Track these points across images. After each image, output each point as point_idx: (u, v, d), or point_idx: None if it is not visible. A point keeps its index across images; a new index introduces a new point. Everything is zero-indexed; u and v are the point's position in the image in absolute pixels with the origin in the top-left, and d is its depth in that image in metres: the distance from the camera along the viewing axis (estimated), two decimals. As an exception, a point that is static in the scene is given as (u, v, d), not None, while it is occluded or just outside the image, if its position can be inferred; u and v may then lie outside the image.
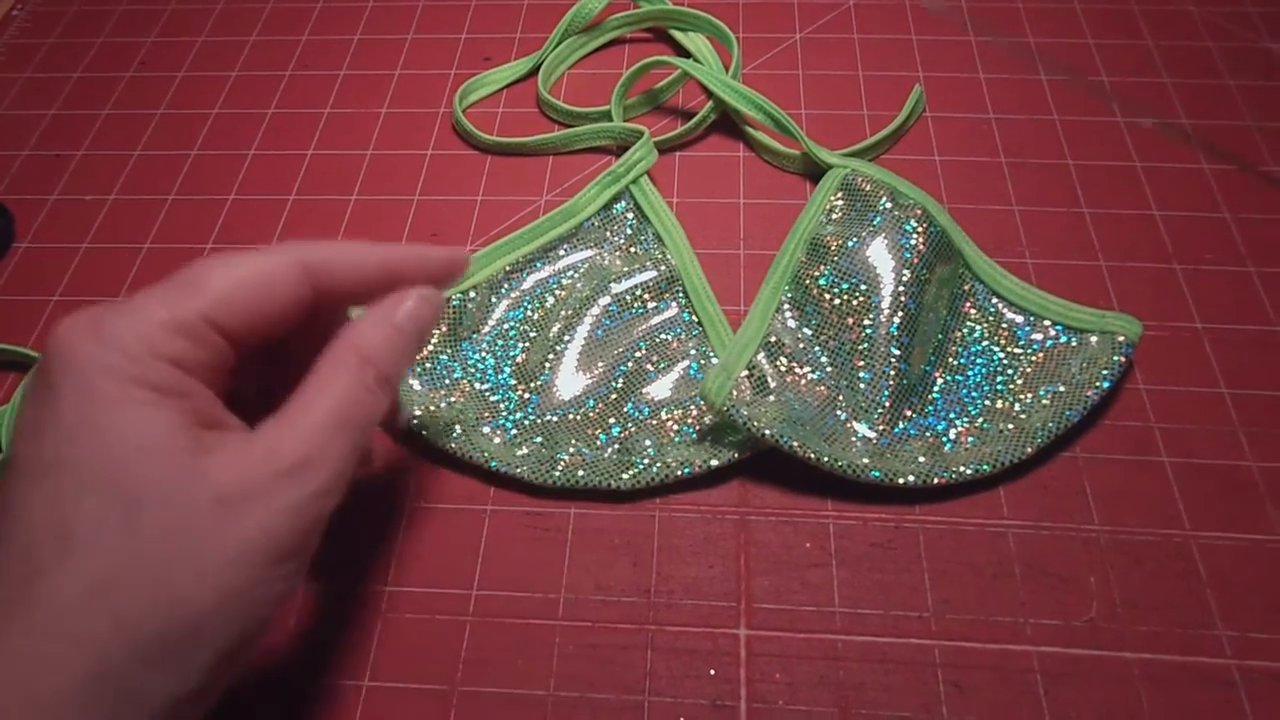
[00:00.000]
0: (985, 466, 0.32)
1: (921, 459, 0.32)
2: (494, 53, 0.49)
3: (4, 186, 0.45)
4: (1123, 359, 0.33)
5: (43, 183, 0.45)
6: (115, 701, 0.19)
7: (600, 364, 0.36)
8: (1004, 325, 0.36)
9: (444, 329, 0.36)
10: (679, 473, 0.32)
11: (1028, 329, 0.36)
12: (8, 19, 0.54)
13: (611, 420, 0.34)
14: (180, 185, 0.44)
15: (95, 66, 0.51)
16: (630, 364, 0.36)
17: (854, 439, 0.33)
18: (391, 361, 0.24)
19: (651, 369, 0.36)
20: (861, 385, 0.34)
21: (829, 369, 0.35)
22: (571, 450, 0.33)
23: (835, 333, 0.35)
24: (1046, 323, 0.36)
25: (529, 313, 0.37)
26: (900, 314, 0.34)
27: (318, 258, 0.24)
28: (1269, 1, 0.49)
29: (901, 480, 0.32)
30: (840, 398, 0.34)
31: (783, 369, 0.35)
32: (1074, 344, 0.35)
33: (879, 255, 0.35)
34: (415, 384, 0.35)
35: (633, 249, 0.39)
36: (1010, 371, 0.35)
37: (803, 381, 0.34)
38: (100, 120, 0.48)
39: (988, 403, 0.34)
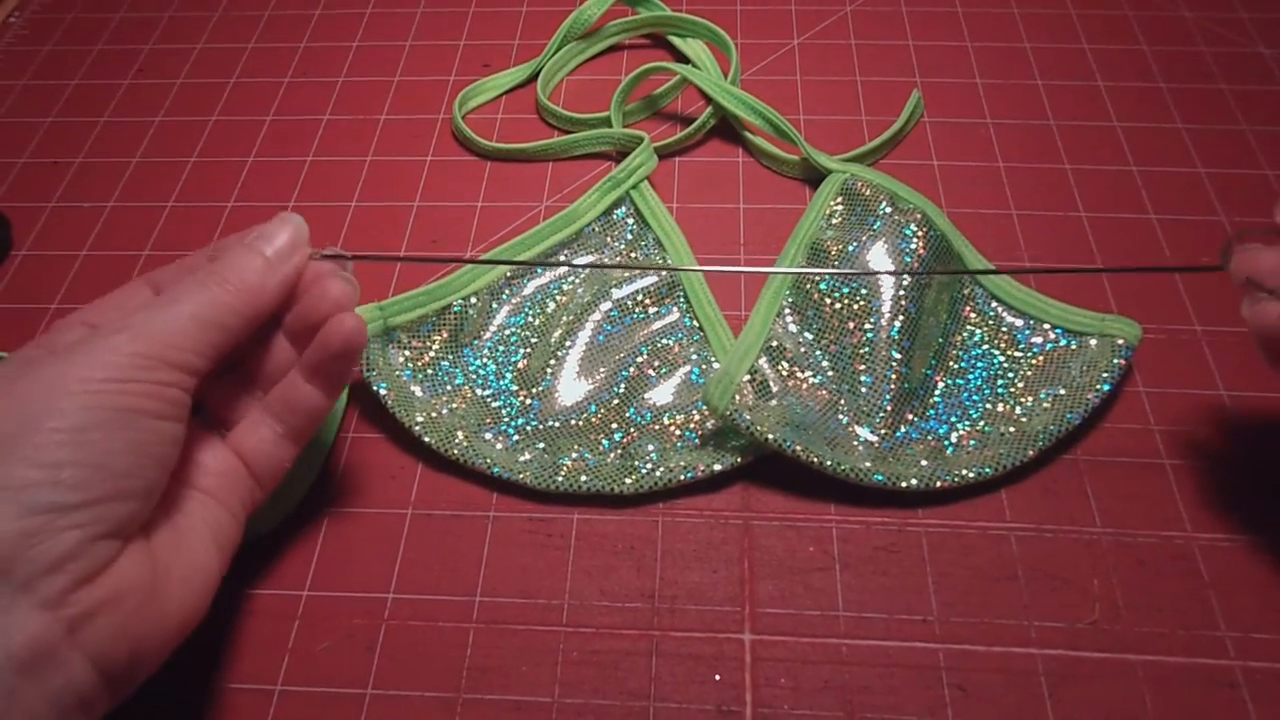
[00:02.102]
0: (987, 470, 0.32)
1: (924, 462, 0.32)
2: (493, 59, 0.49)
3: (2, 194, 0.45)
4: (1122, 362, 0.34)
5: (40, 190, 0.45)
6: None
7: (602, 369, 0.36)
8: (1004, 329, 0.36)
9: (445, 335, 0.36)
10: (682, 477, 0.32)
11: (1027, 332, 0.36)
12: (5, 26, 0.54)
13: (614, 425, 0.34)
14: (178, 192, 0.44)
15: (93, 74, 0.51)
16: (632, 369, 0.36)
17: (856, 443, 0.33)
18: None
19: (653, 374, 0.36)
20: (863, 389, 0.34)
21: (830, 373, 0.35)
22: (574, 456, 0.33)
23: (836, 337, 0.35)
24: (1046, 326, 0.36)
25: (530, 318, 0.37)
26: (901, 318, 0.34)
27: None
28: (1262, 7, 0.49)
29: (904, 484, 0.32)
30: (842, 402, 0.34)
31: (784, 373, 0.35)
32: (1074, 347, 0.35)
33: (879, 260, 0.36)
34: (417, 390, 0.35)
35: (633, 254, 0.39)
36: (1011, 375, 0.35)
37: (804, 386, 0.34)
38: (98, 127, 0.48)
39: (989, 406, 0.34)
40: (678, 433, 0.34)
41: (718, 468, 0.32)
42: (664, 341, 0.37)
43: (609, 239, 0.40)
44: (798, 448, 0.31)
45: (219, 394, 0.28)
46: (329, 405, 0.28)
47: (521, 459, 0.33)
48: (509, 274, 0.38)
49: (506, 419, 0.35)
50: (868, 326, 0.34)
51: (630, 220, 0.40)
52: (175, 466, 0.25)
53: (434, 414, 0.34)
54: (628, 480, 0.32)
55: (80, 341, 0.23)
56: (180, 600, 0.24)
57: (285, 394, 0.28)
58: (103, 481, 0.22)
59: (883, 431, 0.33)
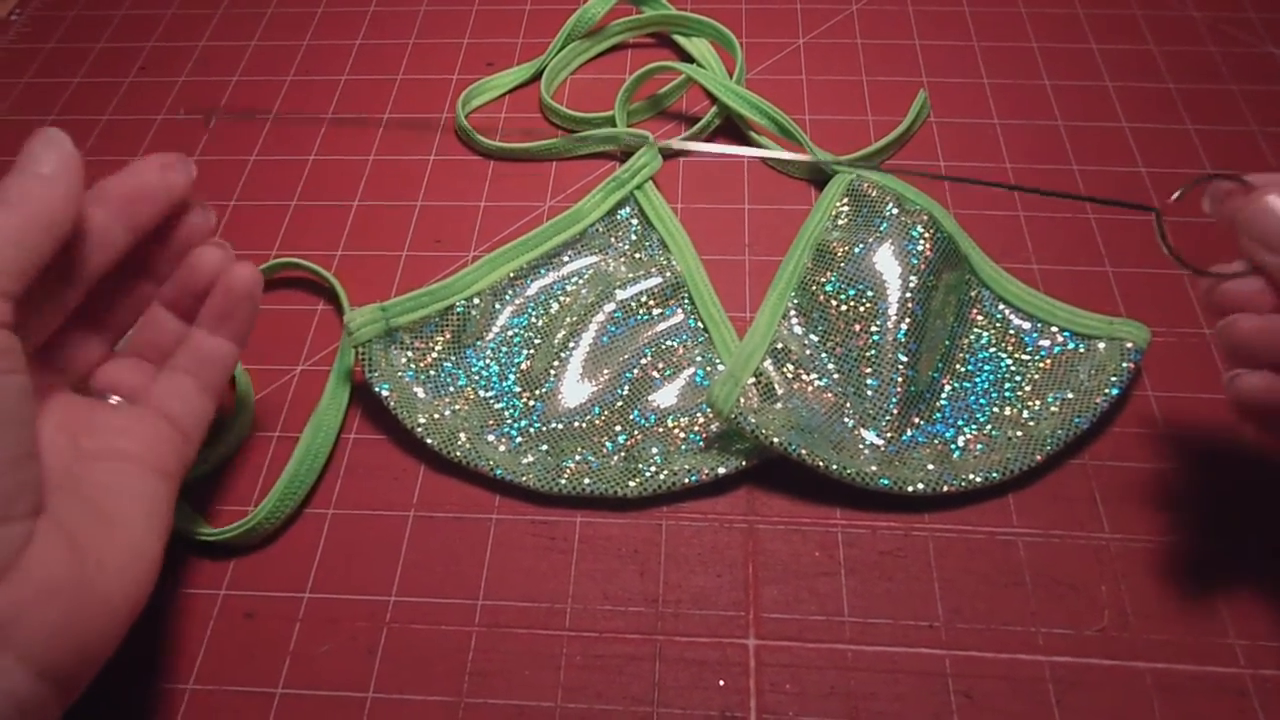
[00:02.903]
0: (995, 474, 0.32)
1: (930, 466, 0.32)
2: (496, 58, 0.49)
3: (3, 192, 0.45)
4: (1131, 365, 0.33)
5: (42, 188, 0.45)
6: None
7: (606, 371, 0.36)
8: (1011, 332, 0.36)
9: (448, 336, 0.36)
10: (686, 480, 0.32)
11: (1035, 335, 0.36)
12: (6, 23, 0.54)
13: (618, 428, 0.34)
14: (181, 191, 0.44)
15: (95, 71, 0.50)
16: (636, 371, 0.35)
17: (862, 446, 0.33)
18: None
19: (657, 376, 0.35)
20: (869, 392, 0.34)
21: (836, 376, 0.34)
22: (577, 458, 0.33)
23: (842, 339, 0.35)
24: (1054, 329, 0.35)
25: (533, 319, 0.37)
26: (908, 320, 0.34)
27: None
28: (1271, 7, 0.49)
29: (910, 488, 0.31)
30: (848, 405, 0.34)
31: (790, 376, 0.34)
32: (1082, 350, 0.35)
33: (886, 261, 0.35)
34: (419, 391, 0.35)
35: (637, 255, 0.39)
36: (1018, 378, 0.35)
37: (810, 389, 0.34)
38: (100, 125, 0.47)
39: (996, 410, 0.34)
40: (682, 435, 0.34)
41: (722, 471, 0.32)
42: (668, 343, 0.36)
43: (613, 239, 0.39)
44: (803, 451, 0.31)
45: (119, 371, 0.28)
46: (237, 353, 0.29)
47: (524, 461, 0.33)
48: (512, 275, 0.38)
49: (509, 421, 0.34)
50: (874, 329, 0.34)
51: (634, 221, 0.40)
52: (88, 439, 0.24)
53: (436, 415, 0.34)
54: (631, 483, 0.32)
55: None
56: (121, 586, 0.23)
57: (196, 350, 0.28)
58: None
59: (889, 435, 0.33)
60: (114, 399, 0.27)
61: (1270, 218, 0.24)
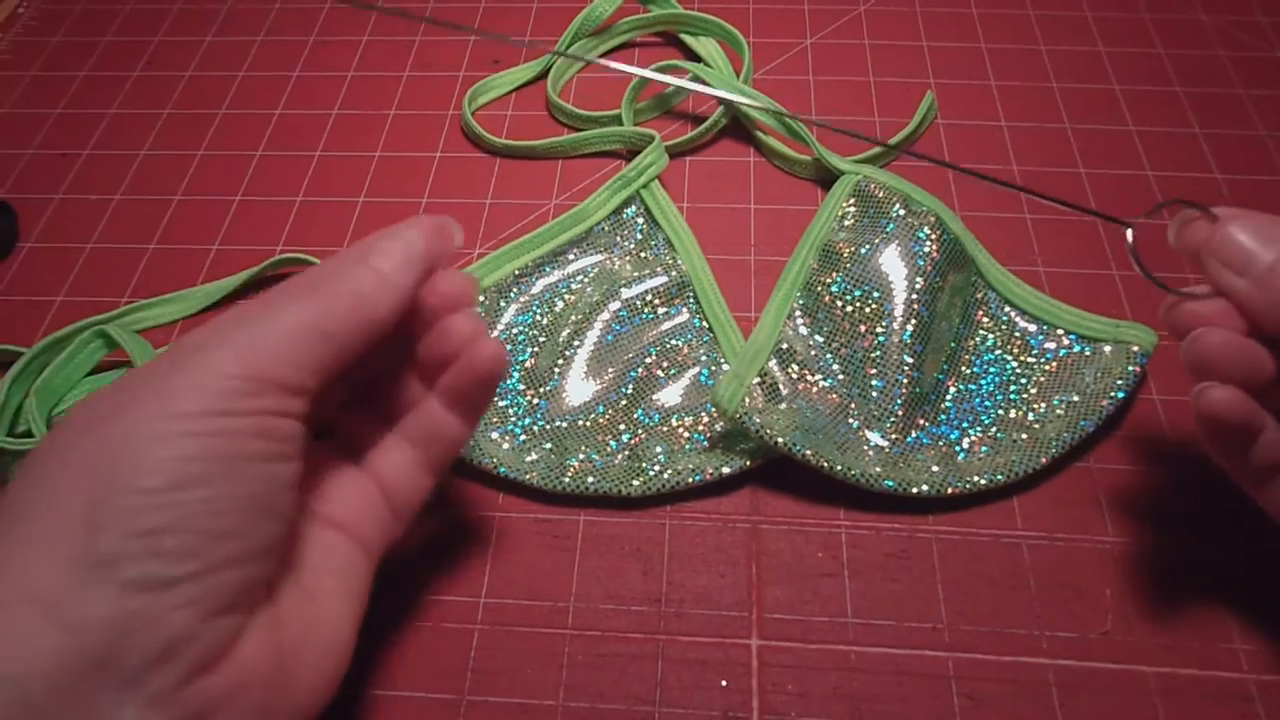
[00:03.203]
0: (999, 476, 0.32)
1: (935, 468, 0.32)
2: (503, 55, 0.49)
3: (8, 185, 0.45)
4: (1137, 369, 0.33)
5: (47, 182, 0.45)
6: None
7: (610, 370, 0.36)
8: (1017, 334, 0.36)
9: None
10: (690, 480, 0.32)
11: (1041, 338, 0.36)
12: (14, 17, 0.54)
13: (622, 426, 0.34)
14: (186, 186, 0.44)
15: (101, 65, 0.50)
16: (640, 370, 0.35)
17: (867, 447, 0.33)
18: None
19: (662, 375, 0.35)
20: (874, 393, 0.33)
21: (841, 377, 0.34)
22: (581, 456, 0.33)
23: (847, 340, 0.35)
24: (1060, 332, 0.35)
25: (538, 317, 0.37)
26: (913, 322, 0.34)
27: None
28: (1280, 11, 0.49)
29: (915, 489, 0.31)
30: (853, 406, 0.34)
31: (795, 376, 0.34)
32: (1088, 353, 0.35)
33: (892, 262, 0.35)
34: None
35: (643, 254, 0.39)
36: (1023, 381, 0.35)
37: (815, 389, 0.34)
38: (106, 119, 0.47)
39: (1001, 412, 0.34)
40: (686, 435, 0.34)
41: (726, 470, 0.32)
42: (673, 342, 0.36)
43: (619, 238, 0.39)
44: (808, 451, 0.31)
45: (350, 421, 0.27)
46: (468, 435, 0.27)
47: (528, 459, 0.33)
48: (517, 273, 0.38)
49: (513, 418, 0.34)
50: (879, 330, 0.34)
51: (640, 219, 0.40)
52: (301, 500, 0.23)
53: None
54: (635, 482, 0.32)
55: (172, 366, 0.20)
56: (310, 682, 0.21)
57: (424, 421, 0.26)
58: (211, 546, 0.19)
59: (894, 436, 0.33)
60: (344, 454, 0.26)
61: (1235, 244, 0.25)
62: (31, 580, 0.18)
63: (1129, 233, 0.28)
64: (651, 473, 0.32)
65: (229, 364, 0.20)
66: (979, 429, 0.33)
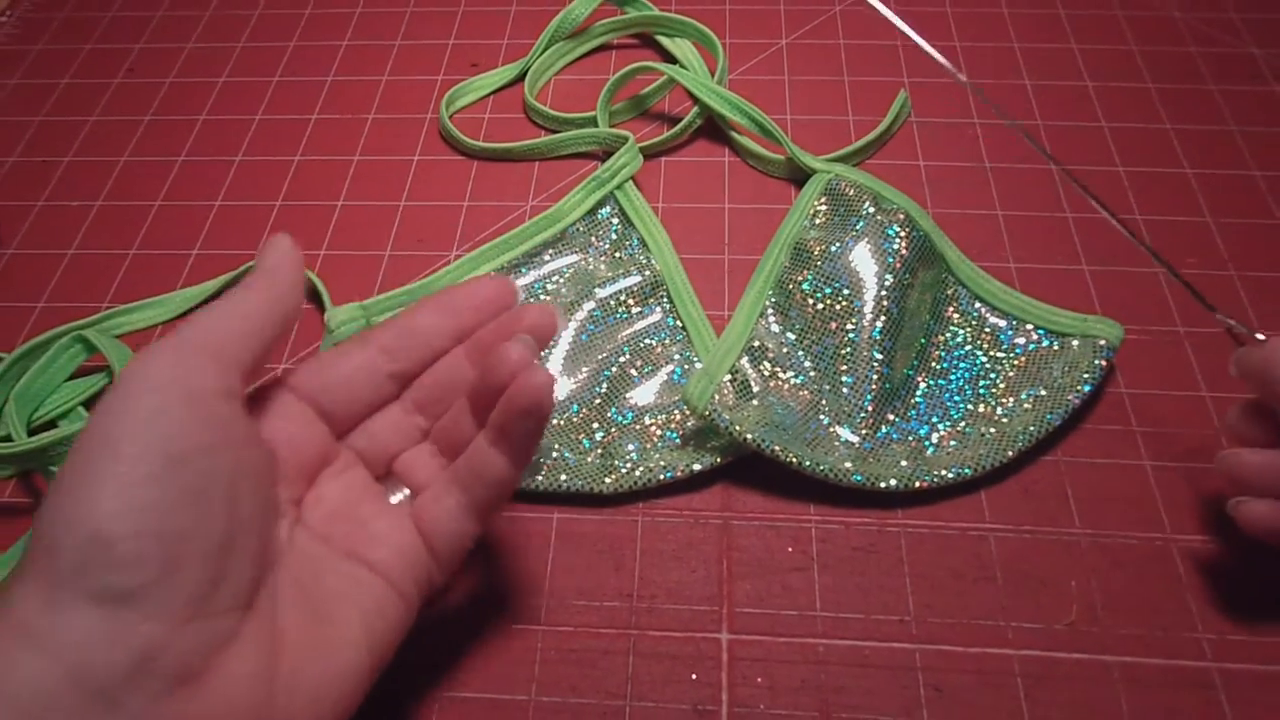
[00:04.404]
0: (967, 470, 0.32)
1: (904, 463, 0.32)
2: (481, 59, 0.49)
3: (-10, 193, 0.45)
4: (1104, 362, 0.34)
5: (29, 189, 0.45)
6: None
7: (584, 369, 0.36)
8: (987, 329, 0.36)
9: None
10: (661, 477, 0.32)
11: (1010, 333, 0.36)
12: (-4, 25, 0.54)
13: (595, 425, 0.34)
14: (167, 191, 0.44)
15: (83, 73, 0.51)
16: (614, 369, 0.36)
17: (837, 443, 0.33)
18: None
19: (635, 374, 0.36)
20: (844, 390, 0.34)
21: (812, 373, 0.35)
22: (554, 455, 0.33)
23: (818, 337, 0.35)
24: (1029, 326, 0.36)
25: (514, 318, 0.37)
26: (883, 318, 0.34)
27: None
28: (1253, 7, 0.49)
29: (883, 484, 0.32)
30: (823, 402, 0.34)
31: (766, 373, 0.35)
32: (1056, 348, 0.35)
33: (862, 260, 0.36)
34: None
35: (617, 254, 0.39)
36: (993, 375, 0.35)
37: (786, 386, 0.34)
38: (88, 126, 0.48)
39: (970, 406, 0.34)
40: (659, 432, 0.34)
41: (697, 467, 0.33)
42: (647, 341, 0.37)
43: (593, 239, 0.40)
44: (776, 448, 0.31)
45: (408, 463, 0.27)
46: (516, 475, 0.25)
47: (502, 458, 0.33)
48: (493, 275, 0.38)
49: (488, 418, 0.35)
50: (850, 327, 0.34)
51: (615, 220, 0.40)
52: (350, 531, 0.23)
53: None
54: (607, 479, 0.32)
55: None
56: (308, 711, 0.21)
57: (471, 461, 0.25)
58: (165, 549, 0.18)
59: (864, 432, 0.33)
60: (398, 496, 0.26)
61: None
62: (15, 610, 0.18)
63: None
64: (624, 470, 0.33)
65: (165, 354, 0.20)
66: (948, 423, 0.34)
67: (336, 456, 0.26)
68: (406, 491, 0.27)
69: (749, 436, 0.31)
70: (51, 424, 0.35)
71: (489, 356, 0.25)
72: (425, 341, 0.27)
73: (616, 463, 0.33)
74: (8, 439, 0.33)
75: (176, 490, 0.19)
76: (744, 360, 0.35)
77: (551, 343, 0.36)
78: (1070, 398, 0.33)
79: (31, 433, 0.34)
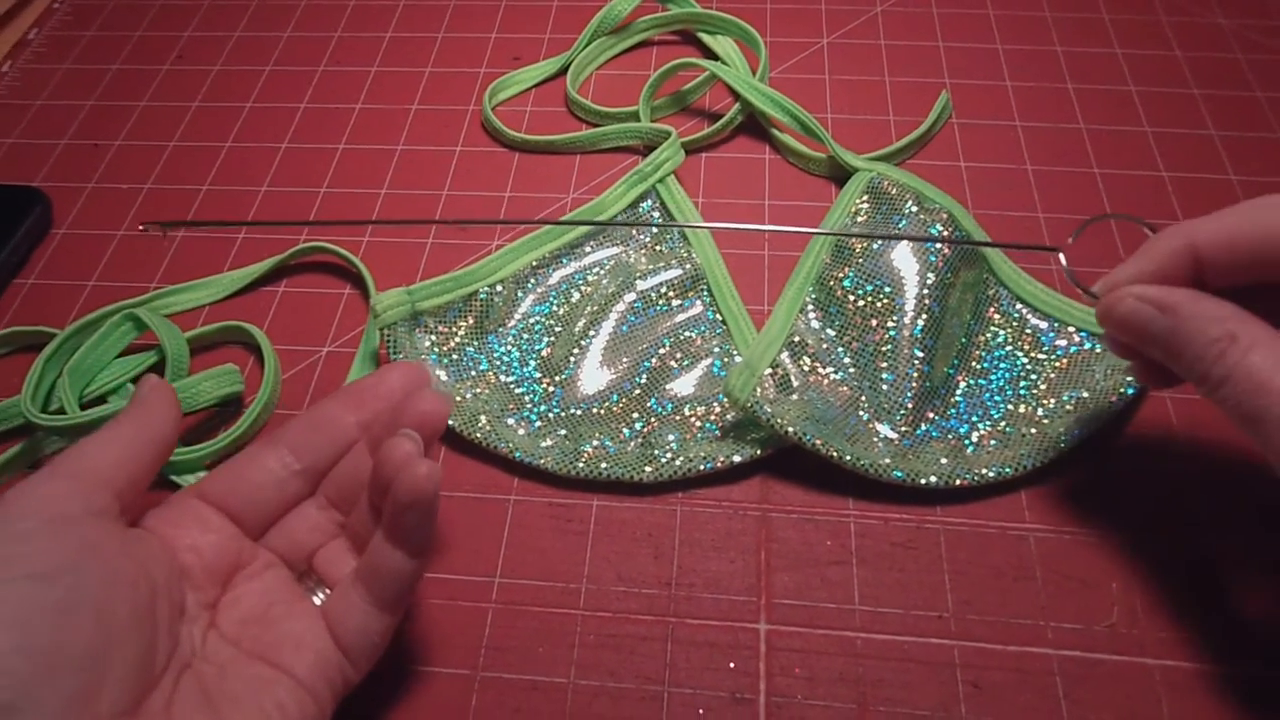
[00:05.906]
0: (1007, 469, 0.32)
1: (944, 460, 0.32)
2: (523, 52, 0.50)
3: (43, 174, 0.46)
4: (1147, 366, 0.33)
5: (80, 171, 0.46)
6: None
7: (624, 359, 0.36)
8: (1028, 330, 0.36)
9: (471, 321, 0.37)
10: (701, 467, 0.33)
11: (1052, 335, 0.36)
12: (49, 11, 0.55)
13: (635, 415, 0.35)
14: (213, 176, 0.45)
15: (133, 59, 0.52)
16: (654, 360, 0.36)
17: (876, 439, 0.33)
18: None
19: (675, 365, 0.36)
20: (884, 387, 0.34)
21: (852, 370, 0.35)
22: (595, 443, 0.34)
23: (859, 334, 0.35)
24: (1071, 329, 0.36)
25: (555, 308, 0.38)
26: (924, 317, 0.34)
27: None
28: (1299, 15, 0.49)
29: (924, 481, 0.32)
30: (863, 398, 0.34)
31: (806, 368, 0.35)
32: (1098, 350, 0.35)
33: (904, 258, 0.36)
34: (442, 374, 0.35)
35: (658, 247, 0.39)
36: (1034, 376, 0.35)
37: (826, 381, 0.35)
38: (137, 111, 0.49)
39: (1010, 407, 0.34)
40: (698, 424, 0.34)
41: (737, 459, 0.33)
42: (687, 334, 0.37)
43: (634, 231, 0.40)
44: (817, 441, 0.31)
45: (322, 562, 0.27)
46: (415, 566, 0.25)
47: (543, 444, 0.34)
48: (535, 264, 0.38)
49: (529, 405, 0.35)
50: (890, 325, 0.35)
51: (656, 213, 0.40)
52: (262, 633, 0.24)
53: (458, 398, 0.35)
54: (647, 469, 0.33)
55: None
56: None
57: (371, 557, 0.25)
58: (32, 662, 0.19)
59: (903, 429, 0.33)
60: (320, 596, 0.27)
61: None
62: None
63: (1061, 257, 0.30)
64: (664, 460, 0.33)
65: (40, 484, 0.22)
66: (988, 423, 0.34)
67: (254, 558, 0.26)
68: (327, 590, 0.27)
69: (791, 430, 0.31)
70: (102, 399, 0.36)
71: (377, 452, 0.26)
72: (332, 437, 0.27)
73: (656, 452, 0.33)
74: (61, 411, 0.34)
75: (41, 607, 0.20)
76: (784, 355, 0.35)
77: (593, 333, 0.37)
78: (1112, 400, 0.33)
79: (83, 407, 0.35)
